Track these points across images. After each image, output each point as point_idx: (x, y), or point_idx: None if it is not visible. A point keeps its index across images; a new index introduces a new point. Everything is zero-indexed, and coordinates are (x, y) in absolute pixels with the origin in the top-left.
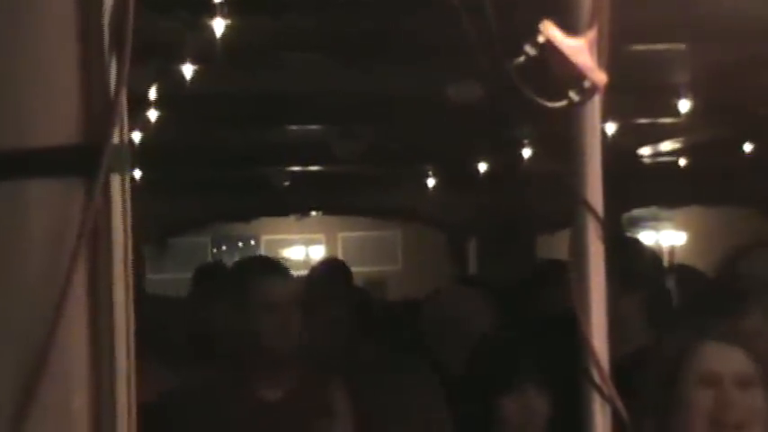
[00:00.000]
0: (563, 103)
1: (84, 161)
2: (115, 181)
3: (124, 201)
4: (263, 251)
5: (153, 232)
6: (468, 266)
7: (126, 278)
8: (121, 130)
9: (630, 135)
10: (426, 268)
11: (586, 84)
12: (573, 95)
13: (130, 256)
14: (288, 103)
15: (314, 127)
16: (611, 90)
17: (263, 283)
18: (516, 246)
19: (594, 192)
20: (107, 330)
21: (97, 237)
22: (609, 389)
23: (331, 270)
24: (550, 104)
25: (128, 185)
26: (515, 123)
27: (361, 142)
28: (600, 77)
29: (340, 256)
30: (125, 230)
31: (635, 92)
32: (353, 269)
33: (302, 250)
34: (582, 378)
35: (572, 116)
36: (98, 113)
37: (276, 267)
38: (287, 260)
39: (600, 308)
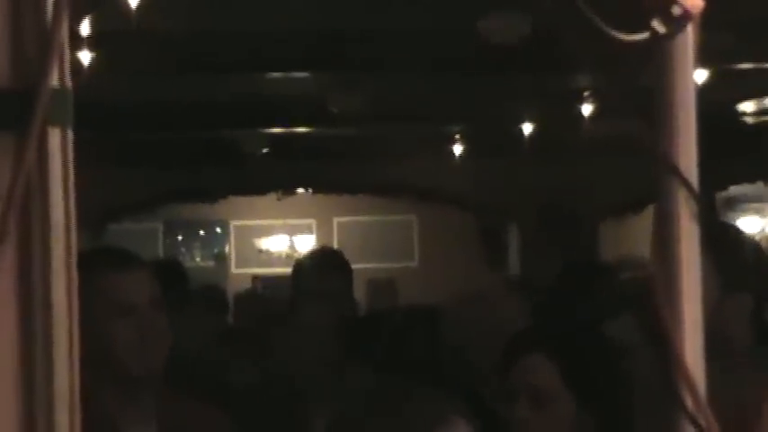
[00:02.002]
0: (644, 36)
1: (13, 109)
2: (54, 135)
3: (65, 161)
4: (232, 240)
5: (87, 216)
6: (508, 263)
7: (68, 266)
8: (62, 70)
9: (728, 85)
10: (451, 265)
11: (676, 10)
12: (658, 26)
13: (74, 236)
14: (266, 42)
15: (301, 74)
16: (704, 25)
17: (111, 279)
18: (573, 235)
19: (687, 158)
20: (43, 337)
21: (30, 209)
22: (707, 419)
23: (322, 264)
24: (627, 38)
25: (70, 142)
26: (574, 68)
27: (365, 95)
28: (695, 2)
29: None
30: (66, 200)
31: (735, 27)
32: (353, 267)
33: (285, 240)
34: (671, 405)
35: (656, 55)
36: (31, 50)
37: (128, 259)
38: (264, 252)
39: (694, 314)
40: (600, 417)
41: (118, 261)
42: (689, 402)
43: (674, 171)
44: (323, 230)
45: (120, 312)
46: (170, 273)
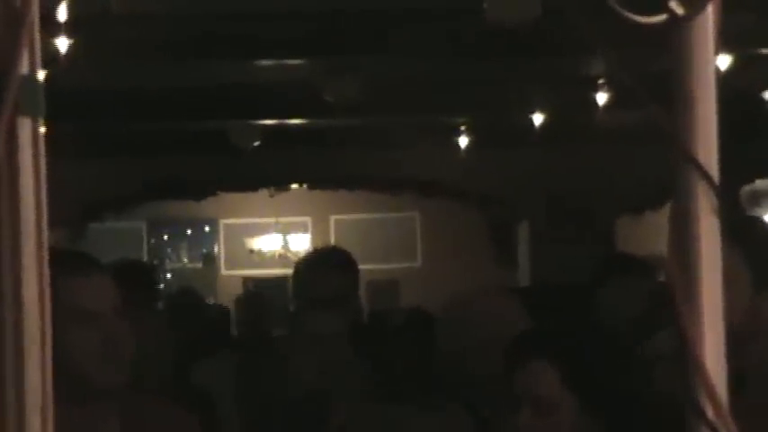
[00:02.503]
0: (661, 18)
1: None
2: (24, 126)
3: (36, 154)
4: (221, 240)
5: (64, 214)
6: (518, 262)
7: (40, 264)
8: (32, 57)
9: (754, 72)
10: (457, 265)
11: None
12: (676, 7)
13: (46, 232)
14: (258, 26)
15: (294, 62)
16: (727, 6)
17: (71, 284)
18: (587, 232)
19: (707, 148)
20: (14, 335)
21: None
22: (729, 428)
23: (327, 265)
24: (643, 20)
25: (41, 133)
26: (587, 54)
27: (364, 83)
28: None
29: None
30: (37, 195)
31: (760, 9)
32: None
33: (278, 240)
34: (689, 413)
35: (674, 39)
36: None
37: (88, 263)
38: (255, 253)
39: (715, 316)
40: (605, 423)
41: (78, 265)
42: (709, 410)
43: (693, 162)
44: (319, 229)
45: (81, 320)
46: (138, 276)
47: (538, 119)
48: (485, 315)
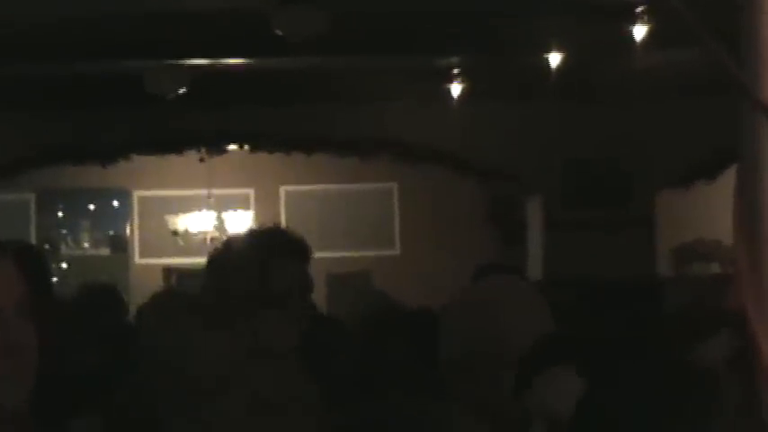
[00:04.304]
0: None
1: None
2: None
3: None
4: (135, 218)
5: None
6: (527, 248)
7: None
8: None
9: None
10: (446, 253)
11: None
12: None
13: None
14: None
15: None
16: None
17: None
18: (617, 210)
19: None
20: None
21: None
22: None
23: (262, 246)
24: None
25: None
26: None
27: (326, 13)
28: None
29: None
30: None
31: None
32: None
33: (211, 218)
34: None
35: None
36: None
37: None
38: (181, 235)
39: None
40: None
41: None
42: None
43: (765, 112)
44: (265, 204)
45: None
46: (24, 263)
47: (555, 60)
48: (499, 311)
